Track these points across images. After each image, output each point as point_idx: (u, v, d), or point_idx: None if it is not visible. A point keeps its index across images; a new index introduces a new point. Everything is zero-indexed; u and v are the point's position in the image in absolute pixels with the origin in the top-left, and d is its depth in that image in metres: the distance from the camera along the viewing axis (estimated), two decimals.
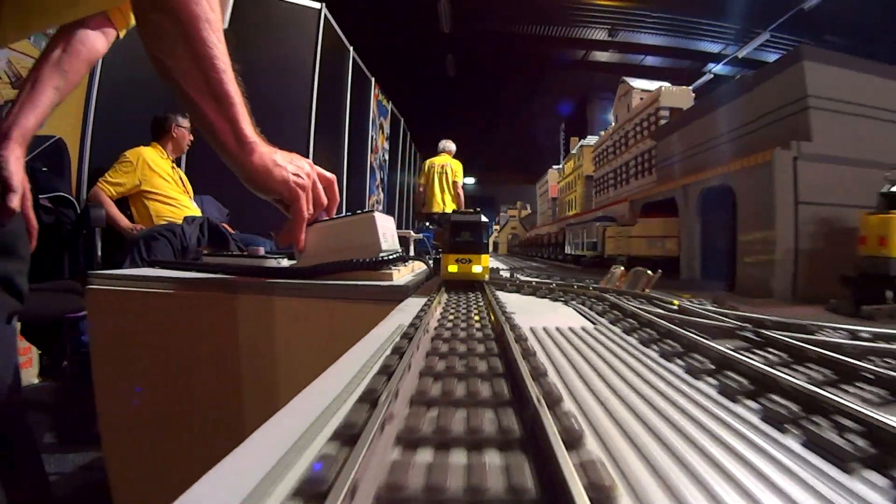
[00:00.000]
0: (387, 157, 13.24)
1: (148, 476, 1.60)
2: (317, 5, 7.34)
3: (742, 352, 0.78)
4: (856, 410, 0.51)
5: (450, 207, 9.01)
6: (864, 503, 0.41)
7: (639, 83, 4.86)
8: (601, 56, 19.94)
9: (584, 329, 1.06)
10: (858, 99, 2.66)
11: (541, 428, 0.42)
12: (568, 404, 0.56)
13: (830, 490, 0.42)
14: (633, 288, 1.91)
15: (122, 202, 4.18)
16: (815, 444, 0.49)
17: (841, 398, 0.54)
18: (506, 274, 2.43)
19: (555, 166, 10.26)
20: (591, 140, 7.01)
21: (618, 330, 1.07)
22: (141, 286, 1.69)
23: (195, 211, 4.53)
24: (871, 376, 0.70)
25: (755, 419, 0.56)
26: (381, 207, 11.98)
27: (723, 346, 0.78)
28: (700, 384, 0.69)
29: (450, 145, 10.29)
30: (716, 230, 2.78)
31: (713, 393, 0.65)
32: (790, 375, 0.64)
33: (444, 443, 0.45)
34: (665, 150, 3.76)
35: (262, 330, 1.58)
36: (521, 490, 0.37)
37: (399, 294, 1.49)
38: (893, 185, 2.08)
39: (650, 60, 19.74)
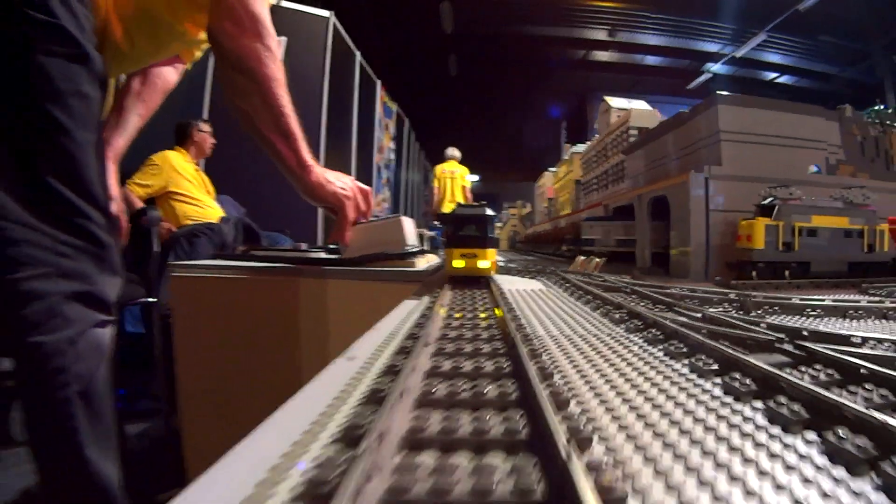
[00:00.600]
0: (392, 156, 13.25)
1: (219, 434, 1.65)
2: (326, 13, 7.53)
3: (616, 295, 1.52)
4: (642, 313, 1.21)
5: None
6: (631, 341, 1.06)
7: (616, 102, 5.14)
8: (601, 56, 19.83)
9: (540, 290, 1.79)
10: (759, 130, 3.10)
11: (499, 305, 1.06)
12: (518, 312, 1.24)
13: (617, 340, 1.09)
14: (587, 269, 2.58)
15: (149, 203, 4.27)
16: (614, 319, 1.17)
17: (646, 312, 1.24)
18: (501, 264, 3.09)
19: (550, 168, 10.37)
20: (581, 148, 7.26)
21: (560, 290, 1.81)
22: (216, 273, 2.02)
23: (218, 210, 4.68)
24: (672, 306, 1.43)
25: (609, 323, 1.24)
26: (387, 206, 12.15)
27: (612, 295, 1.50)
28: (586, 308, 1.39)
29: (456, 152, 10.79)
30: (659, 229, 3.26)
31: (588, 310, 1.36)
32: (633, 303, 1.36)
33: (462, 320, 1.06)
34: (632, 163, 4.19)
35: (317, 305, 1.92)
36: (493, 317, 1.03)
37: (422, 276, 1.82)
38: (763, 200, 2.60)
39: (650, 60, 19.73)
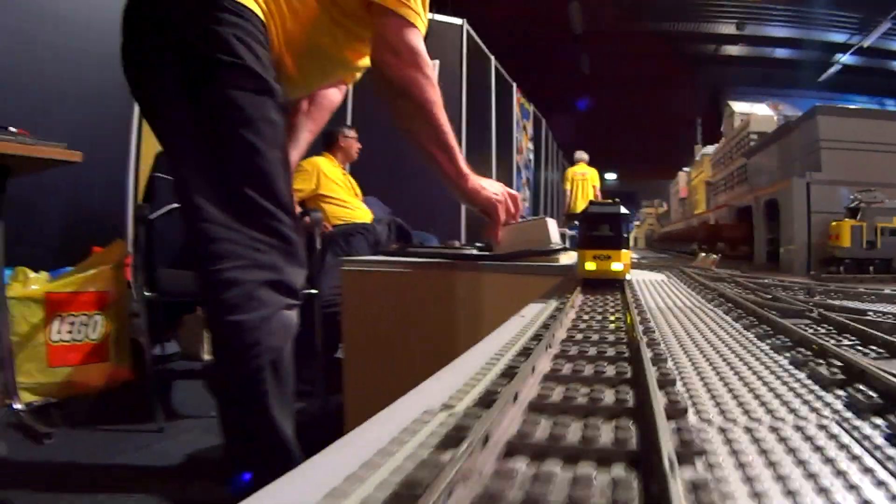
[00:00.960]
0: (531, 156, 13.43)
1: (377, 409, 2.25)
2: (458, 21, 7.92)
3: (718, 284, 1.87)
4: (726, 294, 1.57)
5: None
6: (712, 311, 1.44)
7: (739, 107, 5.22)
8: (731, 50, 19.43)
9: (660, 280, 2.15)
10: (856, 137, 3.20)
11: (624, 290, 1.41)
12: (637, 292, 1.60)
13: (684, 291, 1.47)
14: (705, 266, 2.90)
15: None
16: (707, 298, 1.55)
17: (730, 294, 1.60)
18: (635, 259, 3.41)
19: (684, 168, 10.41)
20: (710, 149, 7.38)
21: (676, 279, 2.17)
22: (382, 268, 2.31)
23: (365, 211, 5.01)
24: (755, 290, 1.78)
25: (703, 300, 1.61)
26: (527, 205, 12.38)
27: (715, 284, 1.85)
28: (692, 292, 1.75)
29: (584, 155, 11.07)
30: (773, 229, 3.42)
31: (693, 293, 1.72)
32: (727, 289, 1.72)
33: (598, 301, 1.42)
34: (751, 166, 4.35)
35: (471, 295, 2.13)
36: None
37: (564, 270, 1.95)
38: (852, 203, 2.76)
39: (779, 53, 19.13)
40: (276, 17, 1.79)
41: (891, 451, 0.49)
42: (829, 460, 0.47)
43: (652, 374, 0.61)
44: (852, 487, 0.41)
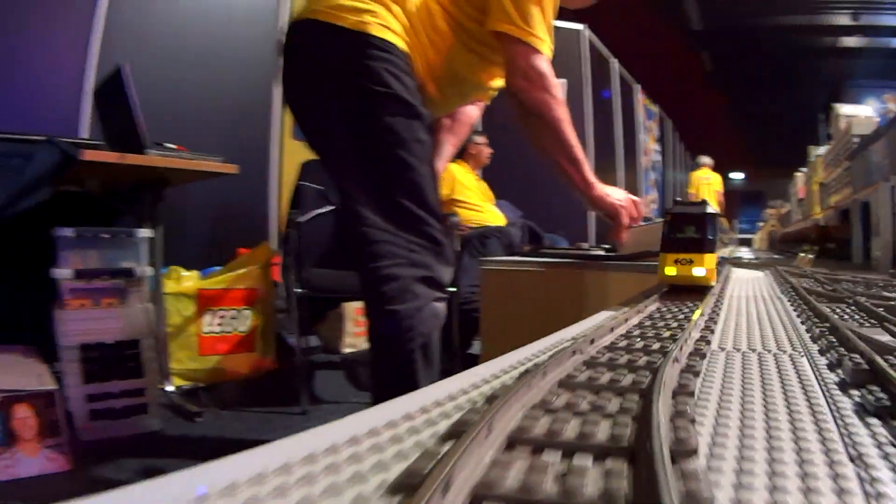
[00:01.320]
0: (658, 157, 13.45)
1: None
2: (579, 26, 8.12)
3: (799, 279, 2.19)
4: (794, 284, 1.90)
5: None
6: (777, 297, 1.79)
7: (845, 109, 5.22)
8: (848, 42, 18.60)
9: (756, 276, 2.48)
10: None
11: (709, 291, 1.74)
12: (729, 285, 1.99)
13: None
14: (801, 265, 3.15)
15: None
16: (782, 289, 1.92)
17: (797, 285, 1.94)
18: (748, 258, 3.66)
19: (801, 169, 10.25)
20: (822, 150, 7.34)
21: (771, 276, 2.46)
22: (519, 267, 2.52)
23: (497, 215, 5.19)
24: (822, 283, 2.06)
25: (778, 289, 1.96)
26: (656, 207, 12.43)
27: (797, 279, 2.17)
28: (775, 287, 2.08)
29: (708, 159, 11.17)
30: (867, 230, 3.46)
31: (775, 284, 2.09)
32: (801, 282, 2.04)
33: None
34: (853, 168, 4.37)
35: (598, 292, 2.31)
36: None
37: None
38: None
39: None
40: (418, 49, 1.99)
41: (826, 373, 0.81)
42: (783, 379, 0.74)
43: (696, 330, 1.02)
44: (784, 386, 0.70)
